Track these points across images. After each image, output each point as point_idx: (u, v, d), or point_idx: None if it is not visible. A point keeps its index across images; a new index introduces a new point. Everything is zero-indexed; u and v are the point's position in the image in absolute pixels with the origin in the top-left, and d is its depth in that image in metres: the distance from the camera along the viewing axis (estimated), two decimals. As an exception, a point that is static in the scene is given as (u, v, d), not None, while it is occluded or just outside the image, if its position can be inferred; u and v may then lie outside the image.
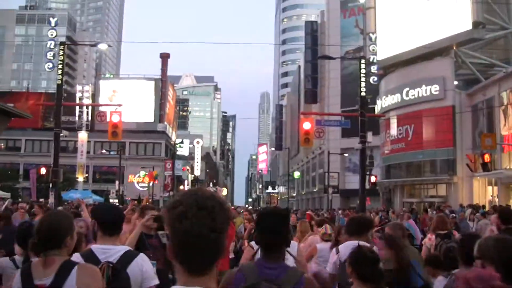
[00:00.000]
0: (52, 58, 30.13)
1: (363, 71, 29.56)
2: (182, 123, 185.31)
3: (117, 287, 4.64)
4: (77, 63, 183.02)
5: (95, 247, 5.08)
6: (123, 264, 4.85)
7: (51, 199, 28.09)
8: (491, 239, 4.08)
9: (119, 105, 29.96)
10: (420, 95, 52.55)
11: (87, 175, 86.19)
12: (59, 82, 28.68)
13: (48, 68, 30.50)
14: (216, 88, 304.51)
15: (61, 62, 28.57)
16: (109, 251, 4.97)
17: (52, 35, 31.21)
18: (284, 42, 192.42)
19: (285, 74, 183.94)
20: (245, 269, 4.16)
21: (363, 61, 30.33)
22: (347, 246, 6.42)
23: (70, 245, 4.33)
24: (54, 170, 28.40)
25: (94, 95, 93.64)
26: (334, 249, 7.25)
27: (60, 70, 28.58)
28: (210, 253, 2.33)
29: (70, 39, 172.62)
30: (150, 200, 49.38)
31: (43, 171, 31.03)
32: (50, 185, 29.14)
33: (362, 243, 5.98)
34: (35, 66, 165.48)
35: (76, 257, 4.77)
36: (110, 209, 5.64)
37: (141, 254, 5.17)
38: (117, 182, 69.19)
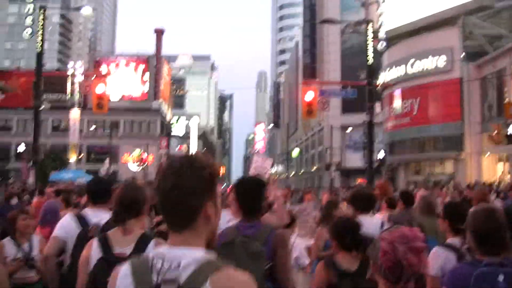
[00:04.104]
0: (31, 23, 27.50)
1: (370, 35, 27.19)
2: (178, 102, 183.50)
3: None
4: (72, 41, 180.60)
5: (87, 210, 5.97)
6: (110, 228, 4.94)
7: (31, 178, 25.83)
8: (472, 211, 4.30)
9: (105, 76, 27.59)
10: (426, 67, 50.12)
11: (82, 154, 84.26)
12: (39, 49, 26.22)
13: (28, 34, 27.86)
14: (213, 67, 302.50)
15: (42, 28, 26.10)
16: (99, 215, 5.59)
17: (30, -1, 28.40)
18: (281, 18, 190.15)
19: (283, 51, 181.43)
20: (226, 230, 4.64)
21: (370, 25, 27.93)
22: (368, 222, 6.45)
23: (146, 214, 4.88)
24: (34, 147, 26.08)
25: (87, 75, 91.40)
26: None
27: (40, 37, 26.11)
28: (179, 210, 2.39)
29: (64, 17, 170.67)
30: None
31: (21, 148, 28.30)
32: (31, 163, 26.83)
33: (369, 218, 7.00)
34: (30, 45, 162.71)
35: (68, 216, 5.91)
36: (99, 179, 6.80)
37: None
38: (106, 161, 66.71)
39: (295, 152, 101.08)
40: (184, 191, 2.37)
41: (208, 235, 2.50)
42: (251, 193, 4.81)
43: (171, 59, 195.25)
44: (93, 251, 4.48)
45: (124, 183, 5.94)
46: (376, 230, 6.74)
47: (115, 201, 4.79)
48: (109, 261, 4.23)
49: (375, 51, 29.91)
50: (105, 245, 4.45)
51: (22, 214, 7.36)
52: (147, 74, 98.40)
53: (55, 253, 5.75)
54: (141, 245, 4.39)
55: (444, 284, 4.03)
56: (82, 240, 5.24)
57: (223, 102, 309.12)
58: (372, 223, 6.85)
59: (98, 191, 6.03)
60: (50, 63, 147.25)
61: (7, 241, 7.13)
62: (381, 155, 30.70)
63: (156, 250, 2.45)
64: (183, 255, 2.35)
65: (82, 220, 5.67)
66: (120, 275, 2.44)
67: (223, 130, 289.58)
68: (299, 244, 8.21)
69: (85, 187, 6.72)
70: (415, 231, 3.11)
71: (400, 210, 9.32)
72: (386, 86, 51.43)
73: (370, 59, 27.07)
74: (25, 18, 33.20)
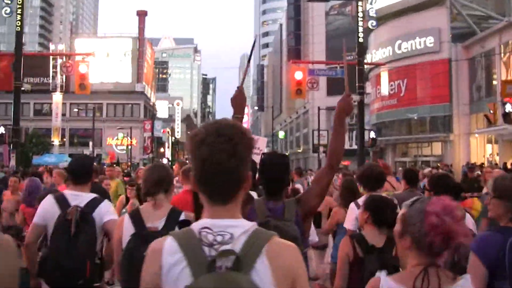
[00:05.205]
0: (9, 1, 26.54)
1: (360, 13, 26.46)
2: (162, 85, 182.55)
3: (84, 229, 5.29)
4: (53, 25, 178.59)
5: (67, 192, 5.74)
6: (90, 209, 5.43)
7: (12, 162, 25.01)
8: (507, 178, 4.28)
9: (89, 54, 26.77)
10: (414, 48, 49.56)
11: (65, 139, 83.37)
12: (18, 29, 25.37)
13: (6, 13, 26.87)
14: (196, 50, 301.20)
15: (20, 6, 25.22)
16: (79, 197, 5.54)
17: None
18: (264, 1, 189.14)
19: (266, 34, 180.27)
20: (255, 203, 4.45)
21: (360, 3, 27.18)
22: None
23: (172, 191, 5.18)
24: (15, 129, 25.25)
25: (69, 55, 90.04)
26: (353, 204, 7.11)
27: (19, 16, 25.26)
28: (230, 180, 2.33)
29: (45, 0, 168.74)
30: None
31: (0, 130, 27.23)
32: (11, 147, 25.98)
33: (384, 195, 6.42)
34: (11, 29, 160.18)
35: (49, 199, 5.61)
36: (80, 159, 6.26)
37: (106, 201, 5.76)
38: (90, 144, 66.01)
39: (281, 134, 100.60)
40: (239, 160, 2.31)
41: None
42: (278, 171, 4.55)
43: (154, 42, 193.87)
44: (125, 227, 4.69)
45: (152, 163, 6.04)
46: None
47: (144, 179, 5.07)
48: (143, 235, 4.47)
49: (364, 30, 29.15)
50: (137, 220, 4.68)
51: None
52: (130, 56, 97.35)
53: (36, 240, 5.61)
54: (172, 219, 4.65)
55: (474, 251, 3.94)
56: (61, 223, 5.32)
57: (206, 85, 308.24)
58: None
59: (80, 170, 5.85)
60: (32, 47, 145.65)
61: None
62: (372, 135, 30.10)
63: (200, 223, 2.35)
64: (232, 227, 2.32)
65: (62, 202, 5.49)
66: (165, 251, 2.32)
67: (206, 113, 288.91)
68: None
69: (67, 167, 6.34)
70: (451, 201, 2.99)
71: (404, 190, 8.98)
72: (376, 65, 50.76)
73: (360, 38, 26.31)
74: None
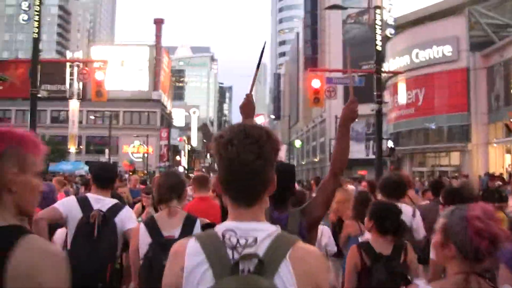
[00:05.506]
0: (27, 8, 26.59)
1: (378, 21, 26.22)
2: (178, 94, 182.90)
3: (105, 232, 5.35)
4: (70, 33, 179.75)
5: (89, 195, 5.84)
6: (112, 214, 5.53)
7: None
8: None
9: (104, 61, 26.70)
10: (431, 57, 49.30)
11: (81, 147, 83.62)
12: (35, 35, 25.40)
13: (23, 20, 26.94)
14: (213, 59, 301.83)
15: (37, 13, 25.26)
16: (101, 201, 5.66)
17: (27, -18, 27.45)
18: (281, 9, 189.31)
19: (283, 42, 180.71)
20: None
21: (378, 11, 26.94)
22: None
23: (185, 198, 5.25)
24: (31, 136, 25.14)
25: (86, 62, 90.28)
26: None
27: (37, 22, 25.29)
28: (256, 181, 2.32)
29: (63, 8, 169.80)
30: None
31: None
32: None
33: (403, 205, 6.74)
34: (28, 37, 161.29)
35: (72, 199, 5.82)
36: (104, 165, 6.58)
37: (126, 207, 5.96)
38: (107, 151, 66.10)
39: (298, 144, 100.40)
40: (265, 161, 2.30)
41: None
42: (283, 180, 4.22)
43: (171, 50, 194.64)
44: (141, 236, 4.73)
45: (165, 171, 6.00)
46: (408, 217, 6.88)
47: (157, 186, 5.15)
48: (162, 244, 4.49)
49: (382, 38, 28.89)
50: (154, 228, 4.73)
51: None
52: (147, 64, 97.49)
53: (47, 218, 5.59)
54: (187, 226, 4.74)
55: (505, 264, 3.83)
56: (83, 226, 5.39)
57: (223, 94, 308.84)
58: (403, 210, 6.48)
59: (104, 175, 5.99)
60: (49, 55, 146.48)
61: None
62: (390, 144, 29.98)
63: (224, 226, 2.34)
64: (256, 230, 2.30)
65: (85, 204, 5.62)
66: (188, 252, 2.30)
67: (222, 122, 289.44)
68: (327, 232, 8.19)
69: (91, 170, 6.67)
70: (485, 204, 2.94)
71: (430, 201, 9.03)
72: (394, 73, 50.50)
73: (379, 46, 26.06)
74: (21, 3, 32.01)
